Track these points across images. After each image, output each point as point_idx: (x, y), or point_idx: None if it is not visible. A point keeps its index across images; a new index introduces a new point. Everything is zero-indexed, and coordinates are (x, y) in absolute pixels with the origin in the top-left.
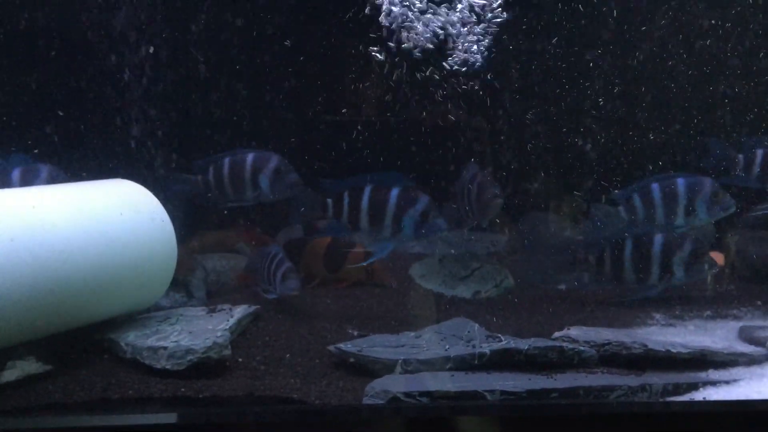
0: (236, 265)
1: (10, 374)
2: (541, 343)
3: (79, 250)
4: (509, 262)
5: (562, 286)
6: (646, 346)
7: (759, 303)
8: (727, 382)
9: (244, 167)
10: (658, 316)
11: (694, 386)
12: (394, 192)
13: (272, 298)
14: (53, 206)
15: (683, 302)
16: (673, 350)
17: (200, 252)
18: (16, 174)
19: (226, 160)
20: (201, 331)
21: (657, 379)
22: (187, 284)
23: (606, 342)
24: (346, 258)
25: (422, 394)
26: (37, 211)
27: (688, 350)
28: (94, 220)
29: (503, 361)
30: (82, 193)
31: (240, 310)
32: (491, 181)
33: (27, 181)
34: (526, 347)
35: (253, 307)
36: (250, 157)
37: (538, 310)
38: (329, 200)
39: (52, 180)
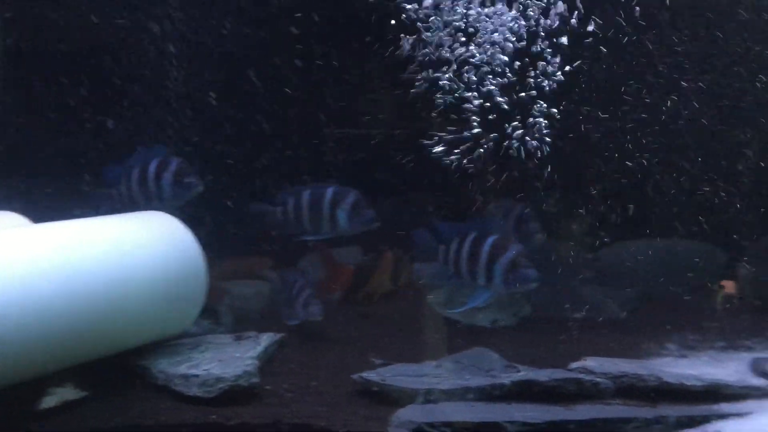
0: (261, 292)
1: (50, 400)
2: (559, 374)
3: (114, 281)
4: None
5: (579, 315)
6: (660, 378)
7: None
8: (739, 416)
9: (322, 201)
10: (671, 346)
11: (707, 419)
12: (489, 241)
13: (294, 324)
14: (90, 241)
15: (696, 332)
16: (687, 383)
17: (227, 279)
18: (153, 165)
19: (306, 194)
20: (230, 359)
21: (671, 411)
22: (215, 311)
23: (622, 374)
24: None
25: (445, 424)
26: (74, 247)
27: (702, 383)
28: (128, 254)
29: (522, 392)
30: (117, 227)
31: (266, 338)
32: (532, 215)
33: (158, 171)
34: (546, 379)
35: (279, 335)
36: (329, 191)
37: (555, 338)
38: (442, 247)
39: (178, 172)
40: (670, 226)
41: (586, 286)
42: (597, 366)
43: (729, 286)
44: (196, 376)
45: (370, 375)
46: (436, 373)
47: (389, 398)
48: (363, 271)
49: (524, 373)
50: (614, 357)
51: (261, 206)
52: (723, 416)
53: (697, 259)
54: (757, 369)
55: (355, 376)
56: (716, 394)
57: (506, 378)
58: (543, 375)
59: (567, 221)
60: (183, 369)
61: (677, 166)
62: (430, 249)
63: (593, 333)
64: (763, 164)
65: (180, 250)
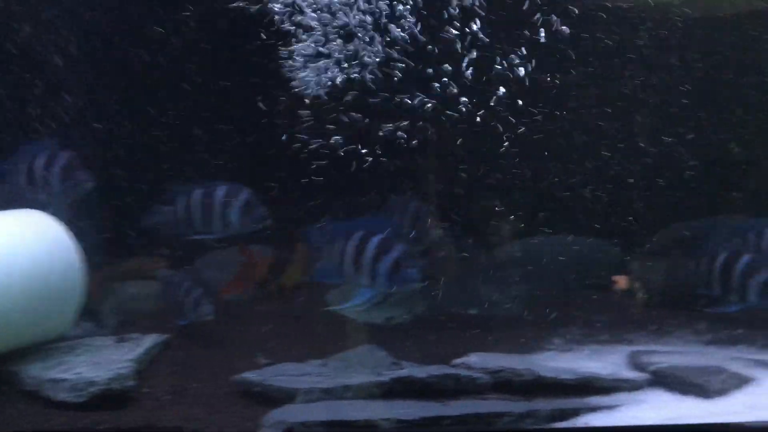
0: (152, 292)
1: None
2: (439, 370)
3: None
4: (424, 287)
5: (473, 311)
6: (536, 373)
7: (653, 327)
8: (608, 408)
9: (213, 199)
10: (557, 340)
11: (577, 412)
12: (374, 240)
13: (183, 324)
14: None
15: (583, 326)
16: (561, 377)
17: (117, 279)
18: (41, 159)
19: (196, 192)
20: (106, 361)
21: (544, 405)
22: (99, 313)
23: (500, 369)
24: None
25: (318, 424)
26: None
27: (575, 376)
28: None
29: (403, 389)
30: None
31: (149, 339)
32: (426, 211)
33: (47, 166)
34: (424, 375)
35: (164, 336)
36: (219, 189)
37: (448, 335)
38: (330, 245)
39: (67, 168)
40: (566, 222)
41: (482, 283)
42: (479, 361)
43: (621, 281)
44: (66, 380)
45: (251, 375)
46: (320, 372)
47: (269, 399)
48: (275, 263)
49: (406, 370)
50: (502, 352)
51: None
52: (593, 409)
53: (591, 255)
54: (633, 362)
55: (235, 377)
56: (589, 387)
57: (387, 375)
58: (423, 372)
59: (466, 218)
60: (54, 373)
61: (574, 162)
62: (322, 247)
63: (487, 329)
64: (658, 161)
65: (52, 250)
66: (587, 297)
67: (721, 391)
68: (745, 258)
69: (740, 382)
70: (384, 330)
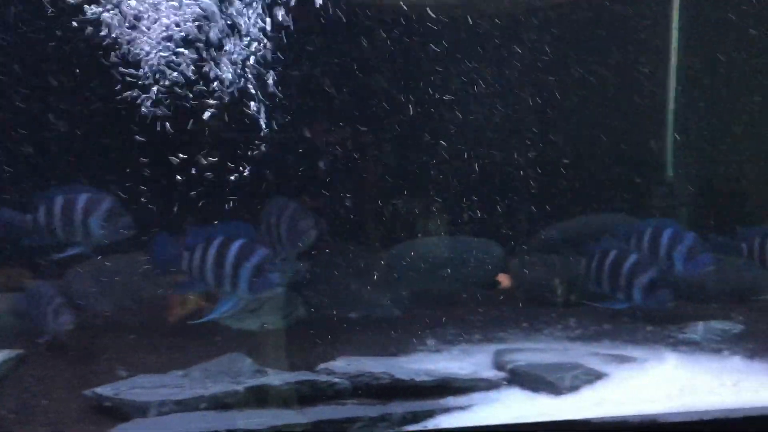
0: (14, 306)
1: None
2: (295, 377)
3: None
4: (308, 291)
5: (353, 315)
6: (393, 375)
7: (525, 325)
8: (462, 408)
9: (74, 208)
10: (431, 341)
11: (431, 414)
12: (235, 245)
13: (45, 339)
14: None
15: (459, 326)
16: (417, 378)
17: None
18: None
19: (57, 199)
20: None
21: (399, 408)
22: None
23: (359, 373)
24: None
25: None
26: None
27: (432, 378)
28: None
29: (259, 398)
30: None
31: (0, 355)
32: (305, 210)
33: None
34: (280, 382)
35: (17, 351)
36: (80, 197)
37: (323, 339)
38: (186, 253)
39: None
40: (451, 222)
41: (364, 286)
42: (342, 366)
43: (504, 279)
44: None
45: (104, 390)
46: (178, 383)
47: (121, 413)
48: None
49: (264, 378)
50: (374, 355)
51: (6, 212)
52: (447, 410)
53: (475, 254)
54: (495, 360)
55: (87, 392)
56: (446, 387)
57: (243, 384)
58: (279, 379)
59: (350, 220)
60: None
61: (458, 162)
62: (170, 255)
63: (363, 332)
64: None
65: None
66: (468, 296)
67: (571, 388)
68: (633, 257)
69: (592, 377)
70: (255, 336)
